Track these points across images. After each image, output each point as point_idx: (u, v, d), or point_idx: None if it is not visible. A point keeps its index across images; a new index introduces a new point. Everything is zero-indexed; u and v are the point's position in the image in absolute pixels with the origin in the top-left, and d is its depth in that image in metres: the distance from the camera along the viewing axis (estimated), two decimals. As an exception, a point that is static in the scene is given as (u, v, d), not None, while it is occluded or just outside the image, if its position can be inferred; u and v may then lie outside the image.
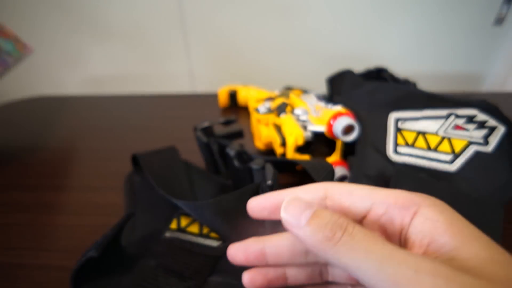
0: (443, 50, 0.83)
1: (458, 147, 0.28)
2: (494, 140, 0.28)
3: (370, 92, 0.35)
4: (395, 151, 0.30)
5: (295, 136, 0.33)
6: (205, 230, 0.28)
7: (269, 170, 0.25)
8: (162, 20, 0.87)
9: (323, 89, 0.44)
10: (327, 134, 0.32)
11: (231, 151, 0.29)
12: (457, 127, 0.29)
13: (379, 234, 0.18)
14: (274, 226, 0.20)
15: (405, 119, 0.31)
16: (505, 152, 0.28)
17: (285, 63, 0.90)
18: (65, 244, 0.29)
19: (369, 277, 0.14)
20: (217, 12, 0.85)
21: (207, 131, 0.35)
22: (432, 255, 0.15)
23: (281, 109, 0.39)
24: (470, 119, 0.29)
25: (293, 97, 0.41)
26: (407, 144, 0.30)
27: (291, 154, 0.34)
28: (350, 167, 0.31)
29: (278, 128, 0.37)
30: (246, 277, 0.20)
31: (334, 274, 0.20)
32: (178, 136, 0.45)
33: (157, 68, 0.96)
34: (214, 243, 0.27)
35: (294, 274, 0.20)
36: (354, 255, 0.14)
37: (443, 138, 0.29)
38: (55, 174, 0.39)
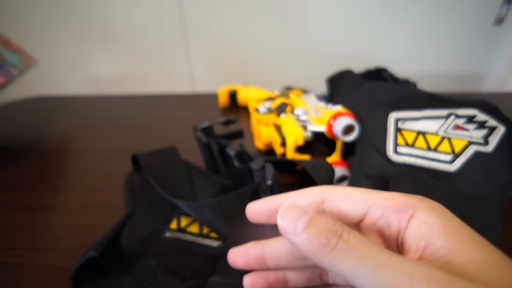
0: (443, 50, 0.83)
1: (458, 147, 0.28)
2: (494, 140, 0.28)
3: (370, 92, 0.35)
4: (395, 151, 0.30)
5: (295, 136, 0.33)
6: (205, 230, 0.28)
7: (269, 170, 0.25)
8: (162, 20, 0.87)
9: (323, 89, 0.44)
10: (327, 134, 0.32)
11: (231, 151, 0.29)
12: (457, 127, 0.29)
13: (377, 238, 0.18)
14: (274, 227, 0.20)
15: (405, 119, 0.31)
16: (505, 152, 0.28)
17: (285, 63, 0.90)
18: (65, 244, 0.29)
19: (365, 284, 0.14)
20: (217, 12, 0.85)
21: (207, 131, 0.35)
22: (428, 258, 0.15)
23: (281, 109, 0.39)
24: (470, 119, 0.29)
25: (293, 97, 0.41)
26: (407, 144, 0.30)
27: (291, 154, 0.34)
28: (350, 167, 0.31)
29: (278, 128, 0.37)
30: (247, 280, 0.20)
31: (334, 277, 0.20)
32: (178, 136, 0.45)
33: (157, 68, 0.96)
34: (214, 243, 0.27)
35: (294, 277, 0.20)
36: (350, 261, 0.14)
37: (443, 138, 0.29)
38: (55, 174, 0.39)
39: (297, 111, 0.37)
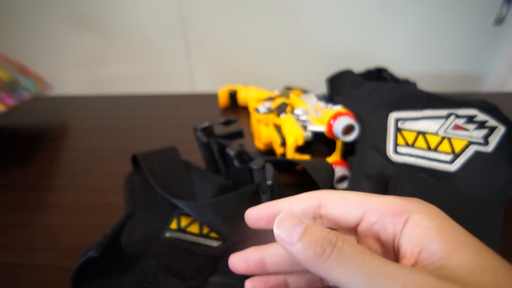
0: (443, 50, 0.83)
1: (458, 147, 0.28)
2: (494, 140, 0.28)
3: (370, 92, 0.35)
4: (395, 151, 0.30)
5: (295, 136, 0.33)
6: (205, 230, 0.28)
7: (269, 170, 0.25)
8: (162, 20, 0.87)
9: (323, 89, 0.44)
10: (327, 134, 0.32)
11: (231, 151, 0.29)
12: (457, 127, 0.29)
13: (374, 242, 0.18)
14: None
15: (405, 119, 0.31)
16: (505, 152, 0.28)
17: (285, 63, 0.90)
18: (65, 244, 0.29)
19: None
20: (217, 12, 0.85)
21: (207, 131, 0.35)
22: (424, 263, 0.15)
23: (281, 109, 0.39)
24: (470, 119, 0.29)
25: (293, 97, 0.41)
26: (407, 144, 0.30)
27: (291, 154, 0.34)
28: (350, 167, 0.31)
29: (278, 128, 0.37)
30: (248, 285, 0.20)
31: None
32: (178, 136, 0.45)
33: (157, 68, 0.96)
34: (214, 243, 0.27)
35: (295, 281, 0.20)
36: (344, 270, 0.14)
37: (443, 138, 0.29)
38: (55, 174, 0.39)
39: (297, 111, 0.37)
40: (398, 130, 0.30)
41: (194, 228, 0.29)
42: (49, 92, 0.52)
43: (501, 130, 0.28)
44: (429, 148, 0.29)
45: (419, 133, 0.30)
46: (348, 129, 0.31)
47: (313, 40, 0.86)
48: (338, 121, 0.31)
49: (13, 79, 0.43)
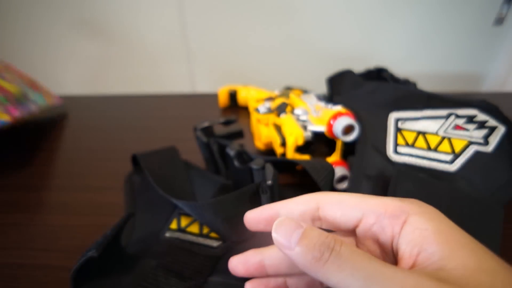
0: (443, 50, 0.83)
1: (458, 147, 0.28)
2: (494, 140, 0.28)
3: (370, 92, 0.35)
4: (395, 151, 0.30)
5: (295, 136, 0.33)
6: (205, 230, 0.28)
7: (269, 170, 0.25)
8: (163, 21, 0.87)
9: (323, 89, 0.44)
10: (327, 134, 0.32)
11: (231, 151, 0.29)
12: (457, 127, 0.29)
13: (372, 244, 0.18)
14: None
15: (405, 119, 0.31)
16: (505, 152, 0.28)
17: (285, 63, 0.90)
18: (65, 244, 0.29)
19: None
20: (217, 13, 0.85)
21: (207, 131, 0.35)
22: (422, 265, 0.15)
23: (281, 109, 0.39)
24: (470, 119, 0.29)
25: (293, 97, 0.41)
26: (407, 144, 0.30)
27: (291, 154, 0.34)
28: (350, 167, 0.31)
29: (278, 128, 0.37)
30: (248, 287, 0.20)
31: None
32: (178, 136, 0.45)
33: (157, 68, 0.96)
34: (214, 243, 0.27)
35: (294, 283, 0.21)
36: (342, 274, 0.14)
37: (443, 138, 0.29)
38: (55, 174, 0.39)
39: (297, 111, 0.37)
40: (398, 130, 0.30)
41: (194, 228, 0.29)
42: (58, 106, 0.54)
43: (501, 130, 0.28)
44: (429, 148, 0.29)
45: (419, 133, 0.30)
46: (348, 129, 0.31)
47: (313, 40, 0.86)
48: (338, 121, 0.31)
49: (21, 92, 0.45)
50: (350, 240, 0.19)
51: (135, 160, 0.35)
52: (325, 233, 0.16)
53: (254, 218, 0.21)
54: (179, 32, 0.88)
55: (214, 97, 0.56)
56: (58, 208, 0.34)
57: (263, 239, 0.21)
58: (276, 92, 0.48)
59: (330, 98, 0.41)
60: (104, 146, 0.45)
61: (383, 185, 0.27)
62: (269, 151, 0.40)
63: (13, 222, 0.32)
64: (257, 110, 0.41)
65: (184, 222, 0.29)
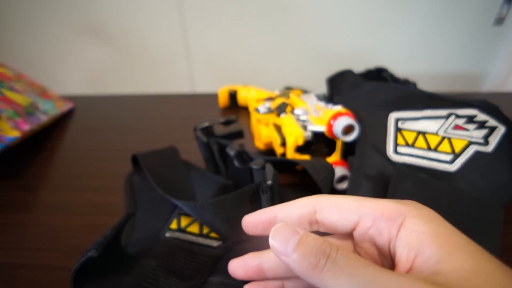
0: (443, 50, 0.83)
1: (458, 147, 0.28)
2: (494, 140, 0.28)
3: (370, 92, 0.35)
4: (395, 151, 0.30)
5: (295, 136, 0.33)
6: (205, 230, 0.28)
7: (269, 170, 0.25)
8: (163, 21, 0.87)
9: (323, 89, 0.44)
10: (327, 134, 0.32)
11: (231, 151, 0.29)
12: (457, 127, 0.29)
13: (370, 247, 0.18)
14: None
15: (405, 119, 0.31)
16: (505, 152, 0.28)
17: (285, 64, 0.90)
18: (65, 244, 0.29)
19: None
20: (217, 12, 0.85)
21: (207, 131, 0.35)
22: (419, 268, 0.15)
23: (281, 109, 0.39)
24: (470, 119, 0.29)
25: (293, 97, 0.41)
26: (407, 144, 0.30)
27: (291, 154, 0.34)
28: (350, 167, 0.31)
29: (278, 128, 0.37)
30: None
31: None
32: (178, 136, 0.45)
33: (157, 68, 0.96)
34: (214, 243, 0.27)
35: (292, 286, 0.21)
36: (338, 281, 0.14)
37: (443, 138, 0.29)
38: (55, 174, 0.39)
39: (297, 111, 0.37)
40: (398, 130, 0.30)
41: (194, 228, 0.29)
42: (70, 109, 0.55)
43: (501, 130, 0.28)
44: (429, 148, 0.29)
45: (419, 133, 0.30)
46: (348, 129, 0.31)
47: (313, 40, 0.86)
48: (338, 121, 0.31)
49: (31, 103, 0.46)
50: (348, 243, 0.19)
51: (135, 160, 0.35)
52: (321, 239, 0.16)
53: (252, 222, 0.21)
54: (179, 32, 0.88)
55: (214, 97, 0.56)
56: (58, 208, 0.34)
57: (263, 239, 0.21)
58: (276, 92, 0.48)
59: (330, 98, 0.41)
60: (104, 146, 0.45)
61: (383, 185, 0.27)
62: (269, 151, 0.40)
63: (13, 222, 0.32)
64: (257, 110, 0.41)
65: (184, 222, 0.29)
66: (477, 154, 0.28)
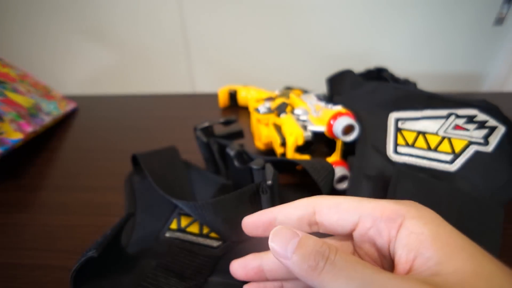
0: (443, 50, 0.83)
1: (458, 147, 0.28)
2: (494, 140, 0.28)
3: (370, 92, 0.35)
4: (395, 151, 0.30)
5: (295, 136, 0.33)
6: (205, 230, 0.28)
7: (269, 170, 0.25)
8: (163, 21, 0.87)
9: (323, 89, 0.44)
10: (327, 134, 0.32)
11: (231, 151, 0.29)
12: (457, 127, 0.29)
13: (370, 248, 0.18)
14: None
15: (405, 119, 0.31)
16: (505, 152, 0.28)
17: (285, 63, 0.90)
18: (65, 244, 0.29)
19: None
20: (217, 12, 0.85)
21: (207, 131, 0.35)
22: (419, 269, 0.15)
23: (281, 109, 0.39)
24: (471, 119, 0.29)
25: (293, 97, 0.41)
26: (407, 144, 0.30)
27: (291, 154, 0.34)
28: (350, 167, 0.31)
29: (278, 128, 0.37)
30: None
31: None
32: (178, 136, 0.45)
33: (157, 68, 0.96)
34: (214, 243, 0.27)
35: (292, 287, 0.21)
36: (337, 283, 0.14)
37: (443, 138, 0.29)
38: (55, 174, 0.39)
39: (297, 111, 0.37)
40: (398, 130, 0.30)
41: (194, 228, 0.29)
42: (72, 110, 0.55)
43: (501, 130, 0.28)
44: (429, 148, 0.29)
45: (419, 133, 0.30)
46: (348, 129, 0.31)
47: (313, 40, 0.86)
48: (338, 121, 0.31)
49: (34, 105, 0.46)
50: (347, 244, 0.19)
51: (135, 160, 0.35)
52: (320, 242, 0.16)
53: (252, 223, 0.21)
54: (179, 32, 0.88)
55: (214, 97, 0.56)
56: (58, 208, 0.34)
57: (263, 239, 0.21)
58: (276, 92, 0.48)
59: (330, 98, 0.41)
60: (104, 146, 0.45)
61: (383, 185, 0.27)
62: (269, 151, 0.40)
63: (13, 222, 0.32)
64: (257, 110, 0.41)
65: (184, 222, 0.29)
66: (477, 154, 0.28)
